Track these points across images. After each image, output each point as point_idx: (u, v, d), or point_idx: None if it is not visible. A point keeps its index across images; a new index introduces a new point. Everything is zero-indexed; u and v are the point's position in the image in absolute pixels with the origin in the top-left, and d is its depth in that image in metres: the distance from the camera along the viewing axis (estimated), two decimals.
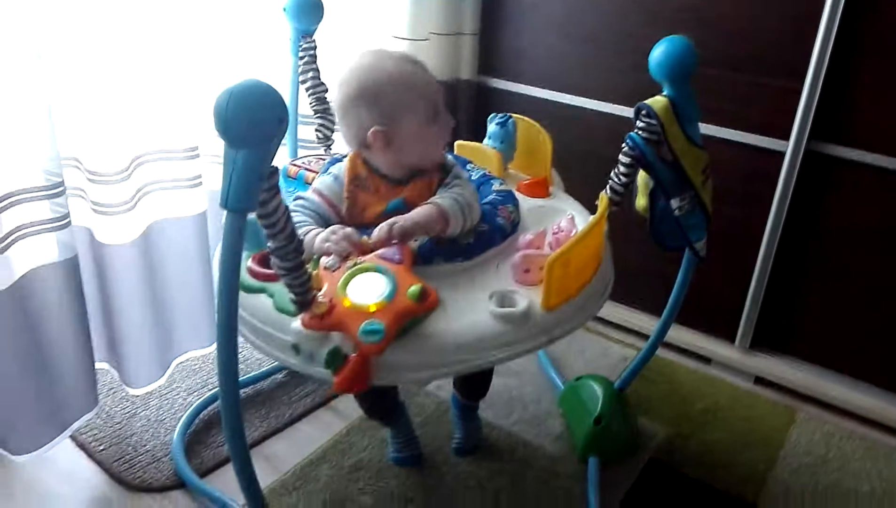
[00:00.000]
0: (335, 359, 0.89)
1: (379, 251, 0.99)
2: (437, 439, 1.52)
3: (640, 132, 1.20)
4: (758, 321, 1.79)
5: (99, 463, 1.41)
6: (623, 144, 1.21)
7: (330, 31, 1.62)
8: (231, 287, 0.82)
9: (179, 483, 1.38)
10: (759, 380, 1.78)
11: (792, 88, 1.56)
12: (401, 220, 1.03)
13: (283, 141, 0.81)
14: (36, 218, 1.23)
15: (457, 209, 1.08)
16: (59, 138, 1.22)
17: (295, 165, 1.35)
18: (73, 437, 1.45)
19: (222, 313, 0.82)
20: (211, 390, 1.61)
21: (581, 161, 1.87)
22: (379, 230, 1.02)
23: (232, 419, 0.90)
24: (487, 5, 1.94)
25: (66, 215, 1.25)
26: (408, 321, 0.92)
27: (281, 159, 1.57)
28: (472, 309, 0.99)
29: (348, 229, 1.02)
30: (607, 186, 1.25)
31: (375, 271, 0.95)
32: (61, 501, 1.33)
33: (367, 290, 0.93)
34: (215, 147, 1.52)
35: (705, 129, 1.67)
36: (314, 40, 1.47)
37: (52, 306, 1.28)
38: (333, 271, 0.96)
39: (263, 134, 0.77)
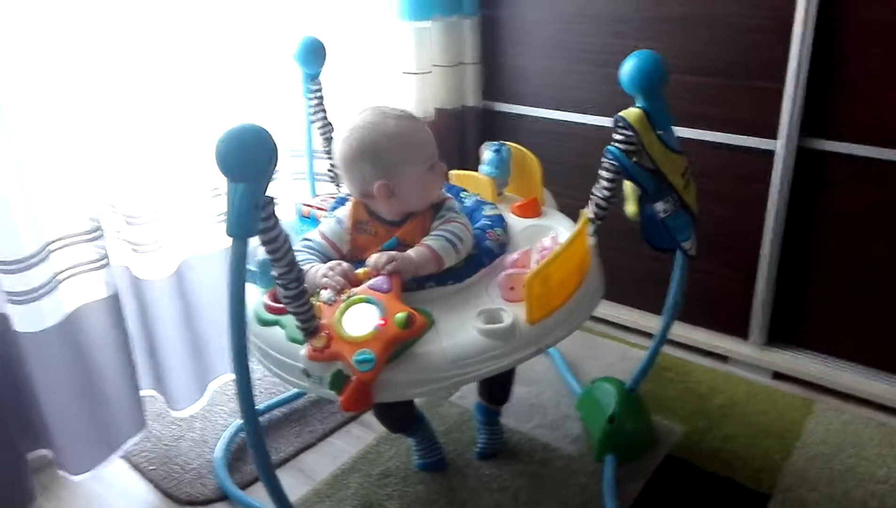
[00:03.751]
0: (338, 381, 1.00)
1: (369, 282, 1.08)
2: (460, 445, 1.61)
3: (617, 144, 1.28)
4: (772, 317, 1.82)
5: (150, 481, 1.55)
6: (602, 158, 1.30)
7: (341, 70, 1.76)
8: (238, 303, 0.94)
9: (223, 496, 1.50)
10: (778, 375, 1.82)
11: (776, 88, 1.62)
12: (398, 259, 1.11)
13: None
14: (82, 259, 1.38)
15: (448, 248, 1.18)
16: (98, 187, 1.38)
17: (308, 205, 1.47)
18: (127, 458, 1.59)
19: (233, 327, 0.94)
20: None
21: (583, 175, 1.95)
22: (374, 260, 1.11)
23: (253, 431, 1.02)
24: (486, 35, 2.06)
25: (105, 256, 1.40)
26: (397, 346, 1.01)
27: (302, 196, 1.72)
28: (462, 328, 1.07)
29: (345, 265, 1.13)
30: (590, 201, 1.34)
31: (366, 302, 1.04)
32: None
33: (359, 321, 1.02)
34: None
35: (696, 134, 1.75)
36: (320, 83, 1.59)
37: (99, 339, 1.43)
38: (331, 304, 1.06)
39: (256, 169, 0.89)
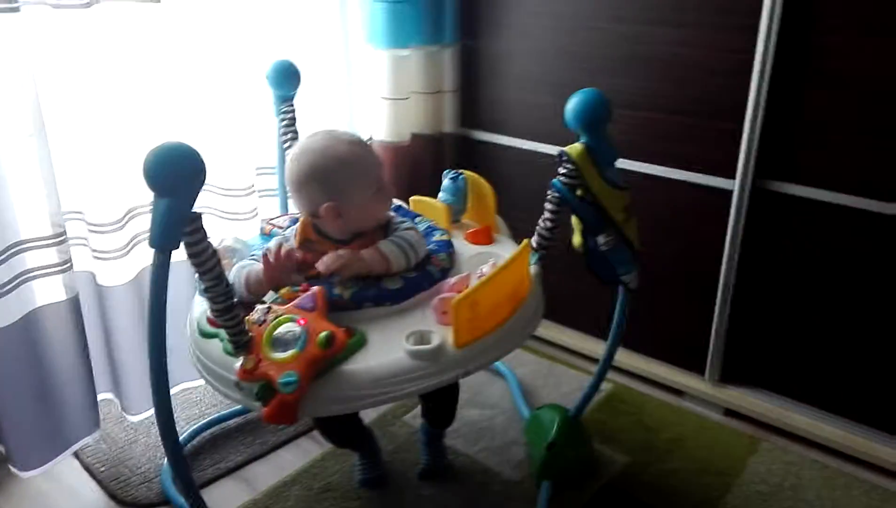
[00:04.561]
0: (264, 394, 1.02)
1: (295, 302, 1.12)
2: (405, 464, 1.63)
3: (560, 177, 1.32)
4: (727, 355, 1.84)
5: (99, 482, 1.59)
6: (548, 190, 1.34)
7: (316, 93, 1.81)
8: (159, 309, 0.98)
9: (165, 501, 1.53)
10: (730, 413, 1.83)
11: (735, 129, 1.65)
12: (348, 256, 1.18)
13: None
14: (44, 262, 1.43)
15: (398, 252, 1.23)
16: (64, 195, 1.43)
17: (270, 223, 1.52)
18: (79, 458, 1.63)
19: (151, 334, 0.98)
20: (205, 420, 1.77)
21: None
22: (327, 258, 1.18)
23: (168, 429, 1.06)
24: (466, 64, 2.11)
25: (69, 261, 1.45)
26: (321, 365, 1.04)
27: (273, 211, 1.76)
28: (391, 348, 1.10)
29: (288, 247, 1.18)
30: (535, 232, 1.37)
31: (291, 321, 1.07)
32: None
33: (285, 342, 1.06)
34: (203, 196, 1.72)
35: (656, 170, 1.80)
36: (293, 105, 1.63)
37: (57, 340, 1.48)
38: (260, 324, 1.09)
39: (181, 185, 0.94)
